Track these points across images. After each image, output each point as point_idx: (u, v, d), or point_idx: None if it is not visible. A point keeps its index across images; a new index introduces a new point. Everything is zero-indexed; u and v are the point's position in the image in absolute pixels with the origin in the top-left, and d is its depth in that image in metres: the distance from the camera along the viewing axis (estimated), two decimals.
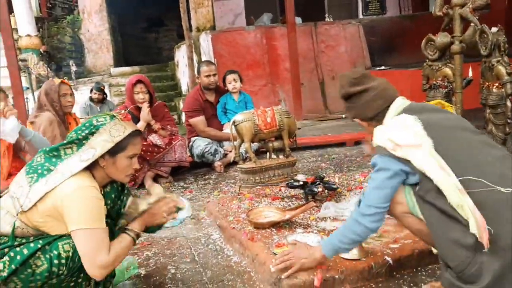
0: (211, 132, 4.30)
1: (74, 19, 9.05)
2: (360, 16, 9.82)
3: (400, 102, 1.75)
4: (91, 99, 6.70)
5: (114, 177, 1.76)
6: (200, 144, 4.20)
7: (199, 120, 4.31)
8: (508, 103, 2.91)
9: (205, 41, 7.38)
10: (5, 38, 4.98)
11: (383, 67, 7.35)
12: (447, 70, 3.25)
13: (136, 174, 3.76)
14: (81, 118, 6.21)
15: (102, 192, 1.73)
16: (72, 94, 3.52)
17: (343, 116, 6.92)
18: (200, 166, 4.27)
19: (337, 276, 1.86)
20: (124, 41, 10.79)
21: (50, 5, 10.27)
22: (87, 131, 1.70)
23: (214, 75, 4.32)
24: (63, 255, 1.59)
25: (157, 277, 2.13)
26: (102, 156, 1.68)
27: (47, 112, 3.35)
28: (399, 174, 1.62)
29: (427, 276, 1.91)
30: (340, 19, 8.61)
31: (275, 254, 1.97)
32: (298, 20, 8.65)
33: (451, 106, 2.77)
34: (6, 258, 1.56)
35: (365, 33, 8.05)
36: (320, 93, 7.64)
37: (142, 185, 3.79)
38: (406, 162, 1.57)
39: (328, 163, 4.09)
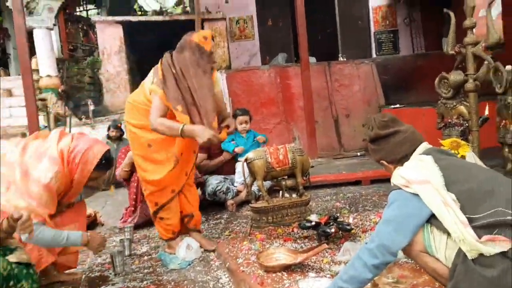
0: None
1: (94, 60, 9.33)
2: (374, 55, 9.92)
3: (424, 146, 1.80)
4: (108, 137, 6.78)
5: None
6: (212, 183, 4.16)
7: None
8: None
9: (220, 80, 7.50)
10: (24, 78, 5.13)
11: (397, 105, 7.32)
12: (462, 108, 3.20)
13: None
14: None
15: None
16: None
17: (358, 154, 6.85)
18: (211, 205, 4.21)
19: None
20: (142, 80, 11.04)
21: (71, 47, 10.64)
22: None
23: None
24: None
25: None
26: None
27: None
28: (411, 211, 1.61)
29: None
30: (354, 58, 8.70)
31: None
32: (312, 59, 8.77)
33: (467, 145, 2.70)
34: None
35: (379, 71, 8.08)
36: (334, 131, 7.61)
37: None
38: (419, 197, 1.60)
39: (343, 202, 3.99)
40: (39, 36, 8.30)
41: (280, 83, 7.61)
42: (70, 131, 6.98)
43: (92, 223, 3.96)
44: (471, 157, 2.48)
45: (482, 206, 1.50)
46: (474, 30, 3.03)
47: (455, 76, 3.14)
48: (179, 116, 2.61)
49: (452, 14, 3.16)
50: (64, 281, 2.57)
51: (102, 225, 4.07)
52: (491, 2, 3.17)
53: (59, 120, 8.11)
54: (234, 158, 4.39)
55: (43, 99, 8.19)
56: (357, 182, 4.66)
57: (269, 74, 7.68)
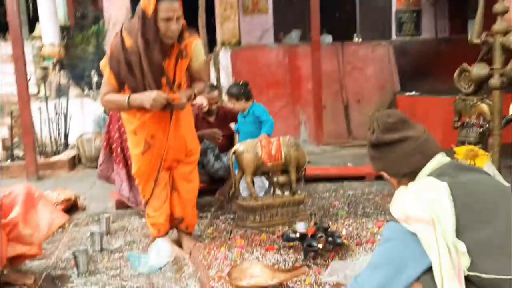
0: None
1: (99, 29, 8.98)
2: (393, 36, 9.35)
3: (439, 160, 1.37)
4: (105, 111, 6.51)
5: None
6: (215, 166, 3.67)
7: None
8: None
9: (224, 57, 7.10)
10: (14, 46, 4.83)
11: (413, 93, 6.84)
12: (484, 107, 2.77)
13: None
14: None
15: None
16: None
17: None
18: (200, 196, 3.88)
19: None
20: None
21: (79, 15, 10.29)
22: None
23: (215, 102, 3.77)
24: None
25: None
26: None
27: None
28: (407, 258, 1.22)
29: None
30: (372, 39, 8.17)
31: None
32: (329, 38, 8.27)
33: (486, 154, 2.31)
34: None
35: (396, 55, 7.56)
36: (343, 117, 7.19)
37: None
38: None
39: (342, 200, 3.64)
40: (42, 1, 7.95)
41: (288, 63, 7.17)
42: (68, 103, 6.71)
43: (72, 208, 3.70)
44: (489, 170, 2.09)
45: (500, 264, 1.13)
46: (505, 16, 2.57)
47: (478, 69, 2.71)
48: (126, 91, 2.40)
49: None
50: (15, 282, 2.31)
51: (84, 209, 3.81)
52: None
53: (60, 90, 7.85)
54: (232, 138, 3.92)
55: (45, 68, 7.93)
56: (361, 177, 4.29)
57: (277, 53, 7.24)
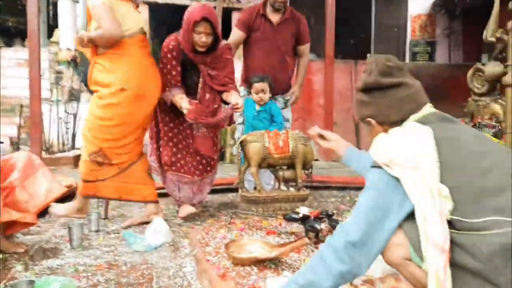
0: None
1: None
2: (407, 60, 9.40)
3: (427, 109, 1.33)
4: None
5: None
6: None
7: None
8: None
9: (239, 71, 7.15)
10: (31, 47, 4.88)
11: None
12: (496, 107, 2.72)
13: None
14: None
15: None
16: None
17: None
18: None
19: None
20: None
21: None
22: None
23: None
24: None
25: None
26: None
27: None
28: (390, 203, 1.18)
29: None
30: None
31: None
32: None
33: None
34: None
35: None
36: (354, 135, 7.13)
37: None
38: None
39: (349, 205, 3.54)
40: (63, 8, 8.16)
41: None
42: (78, 105, 6.77)
43: (72, 194, 3.64)
44: None
45: (483, 208, 1.08)
46: None
47: (492, 67, 2.67)
48: None
49: None
50: (6, 250, 2.25)
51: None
52: None
53: (72, 95, 7.93)
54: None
55: (59, 72, 8.05)
56: None
57: None
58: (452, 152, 1.16)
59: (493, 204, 1.08)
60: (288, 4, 3.70)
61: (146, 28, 9.78)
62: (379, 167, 1.20)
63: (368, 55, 8.75)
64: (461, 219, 1.10)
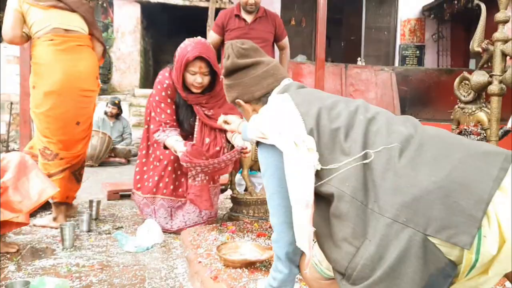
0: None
1: (108, 37, 9.12)
2: (396, 64, 9.52)
3: (286, 82, 1.44)
4: (105, 113, 6.54)
5: None
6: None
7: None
8: None
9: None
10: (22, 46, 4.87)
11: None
12: (482, 115, 2.79)
13: None
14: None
15: None
16: None
17: None
18: None
19: None
20: (155, 65, 10.82)
21: None
22: None
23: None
24: None
25: None
26: None
27: None
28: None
29: None
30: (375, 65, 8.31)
31: None
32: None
33: None
34: None
35: (398, 81, 7.68)
36: None
37: None
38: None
39: None
40: None
41: (292, 79, 7.29)
42: None
43: None
44: None
45: (341, 151, 1.12)
46: (506, 25, 2.63)
47: (477, 76, 2.74)
48: None
49: (483, 6, 2.77)
50: None
51: (74, 198, 3.75)
52: None
53: None
54: None
55: None
56: None
57: None
58: (308, 104, 1.23)
59: (344, 147, 1.12)
60: (260, 4, 3.78)
61: (138, 28, 9.70)
62: (261, 143, 1.25)
63: (358, 59, 8.86)
64: (323, 167, 1.12)
